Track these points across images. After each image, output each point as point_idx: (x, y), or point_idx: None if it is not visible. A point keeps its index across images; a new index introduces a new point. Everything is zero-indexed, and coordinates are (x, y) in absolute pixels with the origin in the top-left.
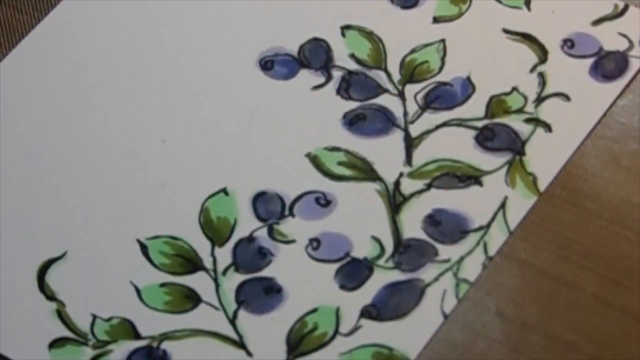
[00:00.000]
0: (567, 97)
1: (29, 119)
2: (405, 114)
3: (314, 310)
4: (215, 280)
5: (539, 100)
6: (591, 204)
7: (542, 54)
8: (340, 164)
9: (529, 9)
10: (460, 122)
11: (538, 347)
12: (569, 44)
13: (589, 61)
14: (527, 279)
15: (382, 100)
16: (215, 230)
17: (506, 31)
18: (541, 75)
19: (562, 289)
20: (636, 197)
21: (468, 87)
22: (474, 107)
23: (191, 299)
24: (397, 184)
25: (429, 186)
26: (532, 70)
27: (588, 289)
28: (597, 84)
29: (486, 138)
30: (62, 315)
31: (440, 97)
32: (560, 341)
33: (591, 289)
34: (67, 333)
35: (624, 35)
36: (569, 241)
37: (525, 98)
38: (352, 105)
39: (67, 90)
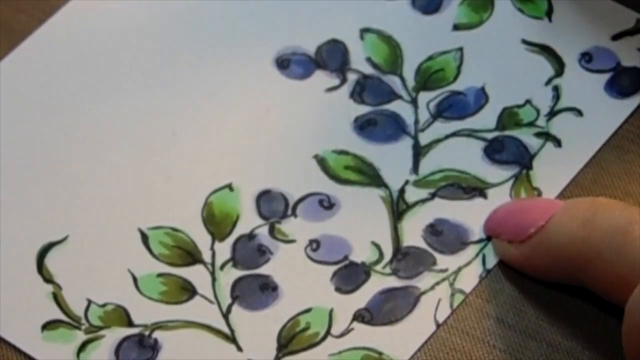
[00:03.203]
0: (579, 112)
1: (36, 106)
2: (417, 121)
3: (308, 310)
4: (213, 274)
5: (552, 114)
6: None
7: (559, 66)
8: (347, 167)
9: (550, 19)
10: (470, 133)
11: (538, 354)
12: (587, 57)
13: (606, 76)
14: (527, 286)
15: (395, 106)
16: (217, 225)
17: (525, 42)
18: (556, 88)
19: (561, 295)
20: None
21: (482, 97)
22: (486, 118)
23: (187, 290)
24: (401, 191)
25: (433, 195)
26: (548, 83)
27: (588, 295)
28: (611, 100)
29: (495, 150)
30: (57, 298)
31: (453, 107)
32: (561, 348)
33: (591, 295)
34: (61, 316)
35: None
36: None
37: (538, 111)
38: (364, 109)
39: (78, 78)
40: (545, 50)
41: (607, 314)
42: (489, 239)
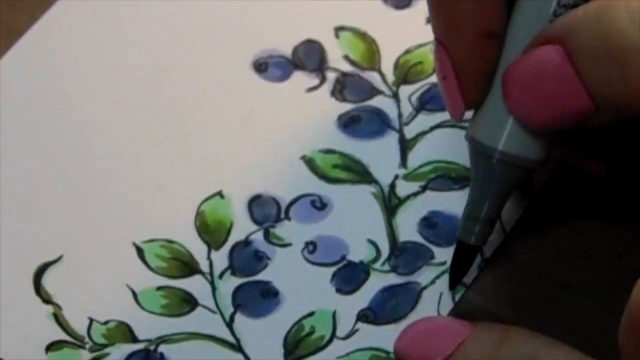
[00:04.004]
0: None
1: (23, 122)
2: (400, 115)
3: (311, 314)
4: (212, 283)
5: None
6: (589, 205)
7: None
8: (335, 166)
9: None
10: (455, 123)
11: None
12: None
13: None
14: (526, 281)
15: (377, 101)
16: (211, 234)
17: None
18: None
19: (561, 292)
20: (636, 199)
21: None
22: None
23: (188, 302)
24: (392, 186)
25: (424, 188)
26: None
27: (588, 291)
28: None
29: None
30: (58, 319)
31: (435, 98)
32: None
33: (591, 292)
34: (64, 336)
35: None
36: (566, 242)
37: None
38: (346, 107)
39: (61, 93)
40: None
41: (608, 310)
42: None
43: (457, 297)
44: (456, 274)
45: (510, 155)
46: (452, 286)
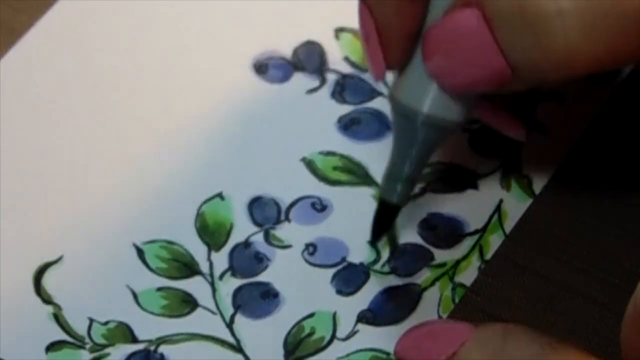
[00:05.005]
0: (561, 98)
1: (23, 121)
2: None
3: (311, 315)
4: (212, 284)
5: (534, 101)
6: (589, 207)
7: None
8: (335, 168)
9: None
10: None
11: None
12: None
13: None
14: (525, 283)
15: (377, 103)
16: (212, 235)
17: None
18: None
19: (562, 294)
20: (636, 200)
21: None
22: None
23: (188, 303)
24: None
25: (424, 190)
26: None
27: (588, 293)
28: (591, 86)
29: (480, 140)
30: (58, 319)
31: None
32: None
33: (591, 294)
34: (64, 336)
35: None
36: (567, 244)
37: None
38: (347, 109)
39: (61, 93)
40: None
41: (608, 313)
42: (484, 229)
43: (456, 299)
44: (377, 231)
45: (432, 117)
46: (373, 242)
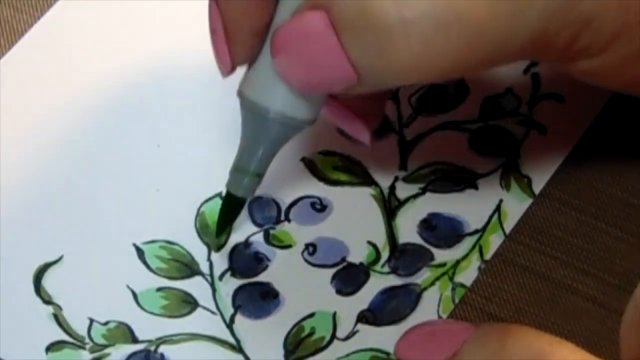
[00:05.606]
0: (561, 98)
1: (24, 122)
2: (400, 117)
3: (311, 315)
4: (212, 285)
5: (533, 101)
6: (589, 207)
7: None
8: (335, 168)
9: None
10: (455, 125)
11: None
12: None
13: None
14: (526, 283)
15: None
16: (212, 235)
17: None
18: (535, 76)
19: (562, 294)
20: (636, 200)
21: (462, 89)
22: (468, 110)
23: (188, 303)
24: (392, 188)
25: (424, 190)
26: (526, 71)
27: (588, 293)
28: (592, 86)
29: (480, 140)
30: (59, 319)
31: (435, 100)
32: None
33: (591, 294)
34: (65, 337)
35: None
36: (567, 244)
37: (519, 99)
38: None
39: (61, 93)
40: None
41: (608, 312)
42: (484, 229)
43: (457, 299)
44: (222, 223)
45: (280, 115)
46: (218, 234)
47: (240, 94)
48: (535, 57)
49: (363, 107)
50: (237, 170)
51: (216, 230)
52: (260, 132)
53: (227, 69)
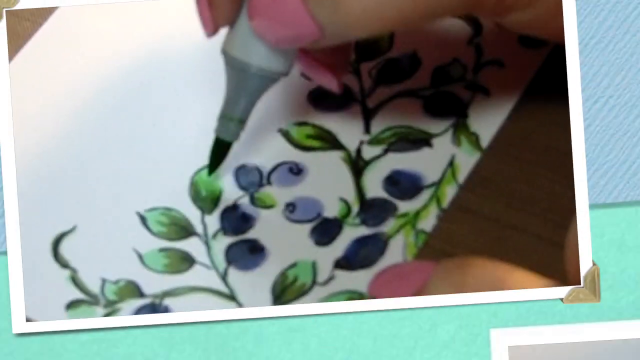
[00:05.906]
0: (501, 64)
1: (37, 114)
2: (362, 88)
3: (294, 265)
4: (207, 243)
5: (477, 68)
6: (530, 156)
7: (477, 28)
8: (308, 136)
9: None
10: (410, 92)
11: None
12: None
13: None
14: (478, 226)
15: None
16: (204, 200)
17: None
18: (478, 46)
19: (510, 233)
20: (565, 146)
21: (415, 61)
22: (421, 79)
23: (187, 260)
24: (358, 151)
25: (386, 151)
26: (470, 42)
27: (533, 231)
28: (527, 51)
29: (433, 105)
30: (75, 281)
31: (392, 72)
32: None
33: (536, 231)
34: (81, 295)
35: None
36: (512, 190)
37: (465, 67)
38: (315, 85)
39: (69, 83)
40: (464, 16)
41: (551, 245)
42: (440, 181)
43: (420, 244)
44: (214, 164)
45: (259, 68)
46: (210, 172)
47: (224, 52)
48: (472, 12)
49: (331, 60)
50: (224, 117)
51: (208, 169)
52: (242, 84)
53: (211, 30)
